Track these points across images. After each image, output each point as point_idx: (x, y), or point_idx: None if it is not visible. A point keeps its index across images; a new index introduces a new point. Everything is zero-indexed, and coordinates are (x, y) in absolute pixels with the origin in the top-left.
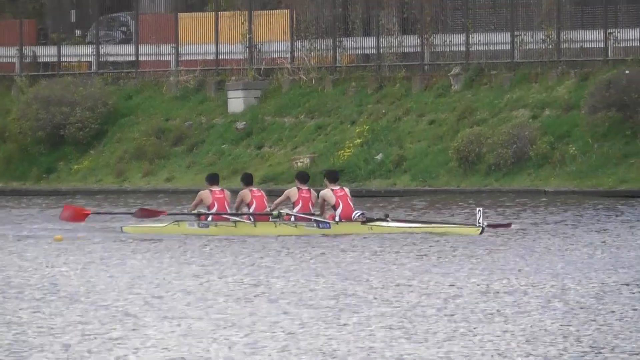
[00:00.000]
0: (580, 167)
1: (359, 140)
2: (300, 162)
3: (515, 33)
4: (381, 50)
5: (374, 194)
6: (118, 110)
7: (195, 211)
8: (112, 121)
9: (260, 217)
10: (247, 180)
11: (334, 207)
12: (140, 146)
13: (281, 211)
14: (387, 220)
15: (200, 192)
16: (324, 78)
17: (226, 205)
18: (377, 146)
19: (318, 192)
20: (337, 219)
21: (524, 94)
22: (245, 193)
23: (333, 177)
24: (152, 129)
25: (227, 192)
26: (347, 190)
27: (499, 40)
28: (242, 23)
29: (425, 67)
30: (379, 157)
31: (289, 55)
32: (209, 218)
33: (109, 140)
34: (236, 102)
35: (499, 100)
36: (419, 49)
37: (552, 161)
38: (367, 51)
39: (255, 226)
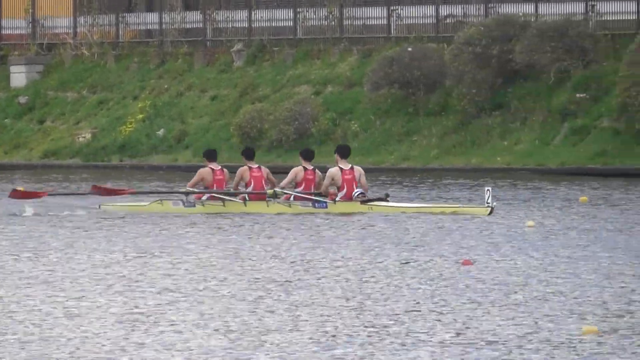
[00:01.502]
0: (362, 144)
1: (141, 116)
2: (83, 137)
3: (298, 9)
4: (164, 26)
5: (156, 169)
6: None
7: (192, 189)
8: None
9: (255, 196)
10: (248, 155)
11: (339, 189)
12: None
13: (277, 190)
14: (387, 200)
15: (200, 170)
16: (106, 53)
17: (224, 186)
18: (159, 121)
19: (325, 170)
20: (337, 199)
21: (306, 70)
22: (245, 171)
23: (344, 152)
24: None
25: (226, 172)
26: (357, 171)
27: (282, 16)
28: None
29: (208, 43)
30: (160, 132)
31: (71, 30)
32: (204, 197)
33: None
34: (19, 76)
35: (281, 76)
36: (201, 25)
37: (334, 137)
38: (149, 27)
39: (245, 205)
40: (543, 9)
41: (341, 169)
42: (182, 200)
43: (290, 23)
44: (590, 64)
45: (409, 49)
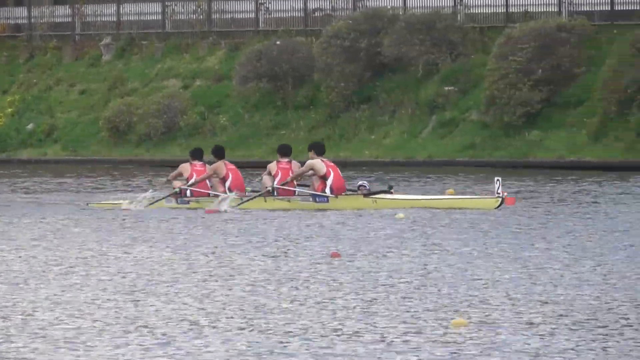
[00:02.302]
0: (231, 138)
1: (10, 110)
2: None
3: (167, 3)
4: (32, 20)
5: (25, 164)
6: None
7: (176, 187)
8: None
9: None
10: (219, 153)
11: (324, 177)
12: None
13: (275, 185)
14: (391, 193)
15: (181, 165)
16: None
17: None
18: (28, 116)
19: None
20: (327, 190)
21: (175, 64)
22: (220, 165)
23: (320, 149)
24: None
25: (208, 167)
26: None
27: (150, 10)
28: None
29: (77, 37)
30: (29, 126)
31: None
32: (188, 193)
33: None
34: None
35: (150, 70)
36: (70, 19)
37: (203, 131)
38: (18, 21)
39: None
40: (411, 2)
41: (321, 160)
42: (174, 197)
43: (159, 17)
44: (458, 57)
45: (278, 43)
